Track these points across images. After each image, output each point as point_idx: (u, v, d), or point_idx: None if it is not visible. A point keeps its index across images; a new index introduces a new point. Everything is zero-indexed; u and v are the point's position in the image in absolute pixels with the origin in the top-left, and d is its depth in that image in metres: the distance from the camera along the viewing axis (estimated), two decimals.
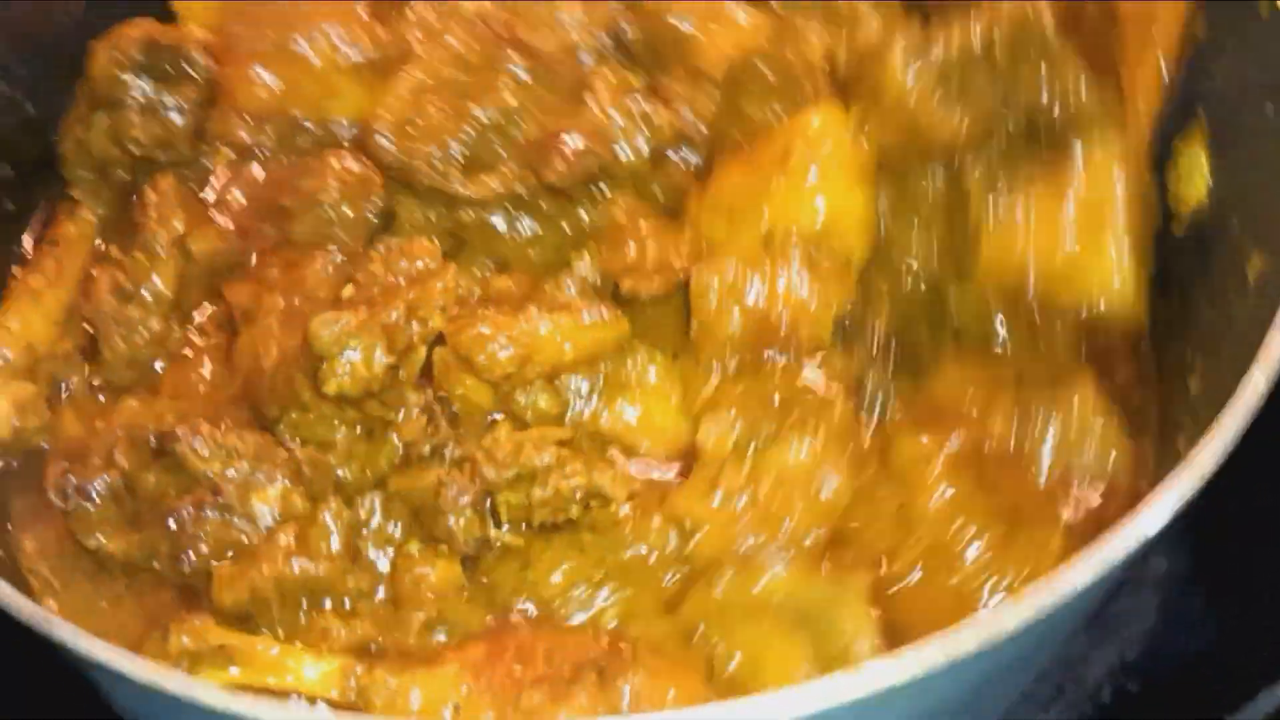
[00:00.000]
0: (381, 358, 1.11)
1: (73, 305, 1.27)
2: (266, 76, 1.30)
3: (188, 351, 1.25)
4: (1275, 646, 1.24)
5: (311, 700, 1.01)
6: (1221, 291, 1.10)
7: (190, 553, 1.10)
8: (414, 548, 1.12)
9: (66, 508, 1.14)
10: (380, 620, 1.08)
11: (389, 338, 1.12)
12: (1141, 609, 1.33)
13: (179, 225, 1.25)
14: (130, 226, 1.27)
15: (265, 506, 1.10)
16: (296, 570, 1.06)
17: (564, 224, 1.30)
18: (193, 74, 1.30)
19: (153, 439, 1.13)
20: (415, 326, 1.15)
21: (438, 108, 1.27)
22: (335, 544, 1.08)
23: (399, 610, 1.09)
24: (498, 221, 1.29)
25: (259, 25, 1.32)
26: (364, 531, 1.11)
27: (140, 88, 1.29)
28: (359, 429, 1.16)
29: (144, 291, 1.23)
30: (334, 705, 1.01)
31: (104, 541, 1.12)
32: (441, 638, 1.07)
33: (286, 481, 1.11)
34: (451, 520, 1.11)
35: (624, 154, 1.27)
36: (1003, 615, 0.80)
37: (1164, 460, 1.05)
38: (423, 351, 1.16)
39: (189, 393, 1.21)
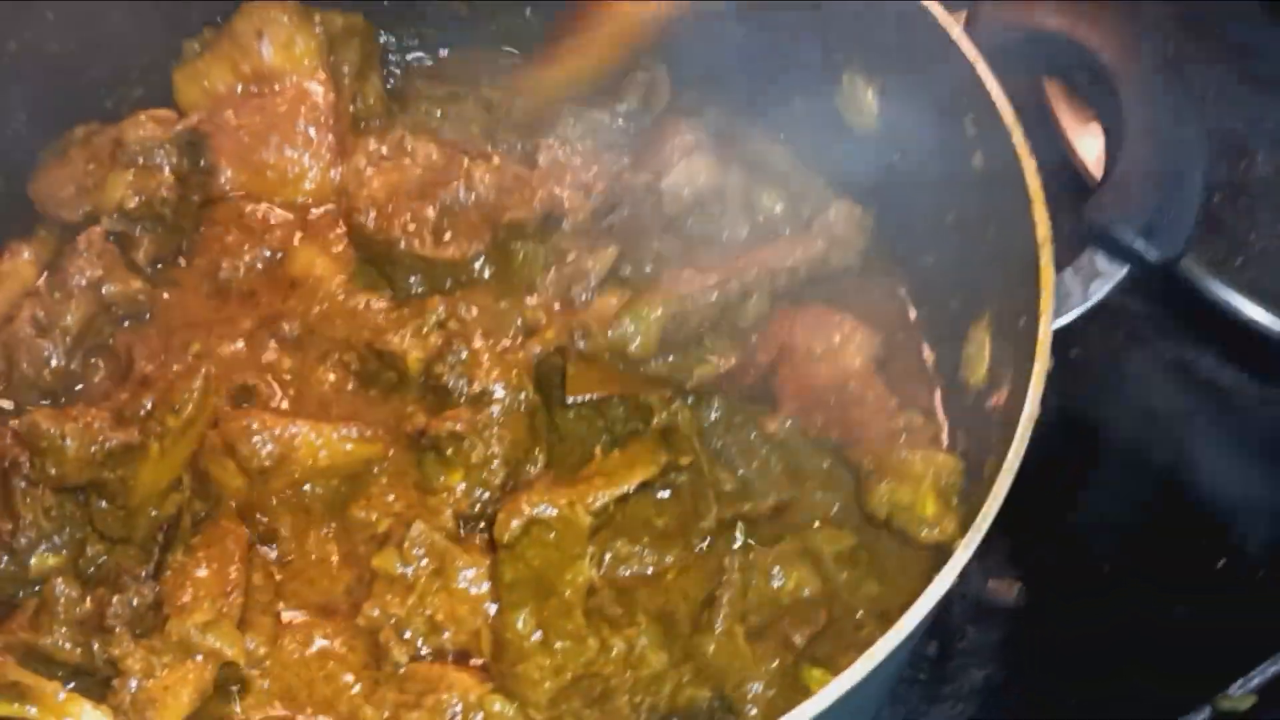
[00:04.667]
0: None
1: None
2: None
3: (79, 386, 1.40)
4: None
5: None
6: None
7: None
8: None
9: None
10: None
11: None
12: (959, 718, 1.49)
13: (98, 271, 1.39)
14: (61, 267, 1.41)
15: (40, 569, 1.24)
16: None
17: None
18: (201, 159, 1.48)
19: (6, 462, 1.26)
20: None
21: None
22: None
23: None
24: None
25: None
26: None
27: (168, 159, 1.44)
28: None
29: (56, 327, 1.37)
30: None
31: None
32: None
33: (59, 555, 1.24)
34: None
35: None
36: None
37: None
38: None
39: None
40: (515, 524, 1.23)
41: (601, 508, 1.24)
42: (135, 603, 1.20)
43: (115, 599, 1.20)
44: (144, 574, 1.24)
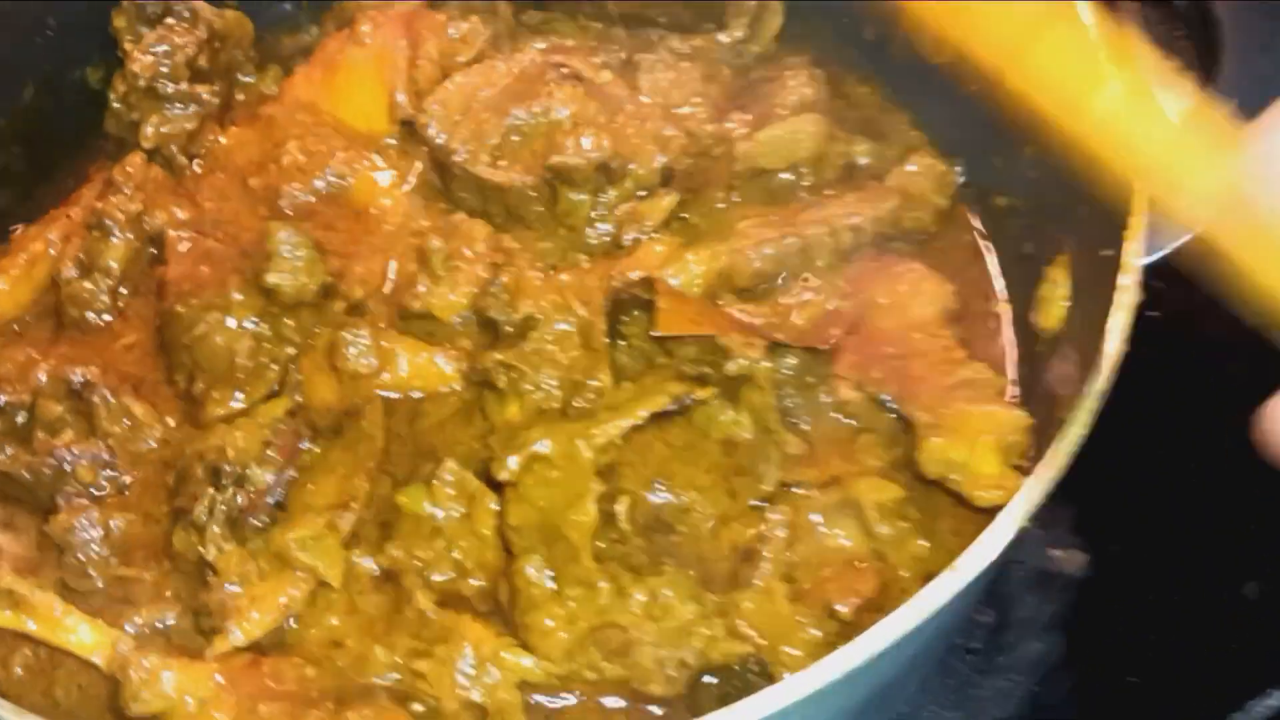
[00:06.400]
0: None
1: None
2: None
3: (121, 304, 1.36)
4: None
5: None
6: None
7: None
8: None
9: None
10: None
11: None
12: (1014, 691, 1.38)
13: (138, 205, 1.35)
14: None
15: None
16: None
17: None
18: None
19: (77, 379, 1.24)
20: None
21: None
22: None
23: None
24: None
25: None
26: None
27: None
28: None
29: (97, 269, 1.33)
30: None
31: None
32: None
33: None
34: None
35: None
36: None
37: None
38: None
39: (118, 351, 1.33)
40: (513, 461, 1.14)
41: (606, 443, 1.16)
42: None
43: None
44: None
